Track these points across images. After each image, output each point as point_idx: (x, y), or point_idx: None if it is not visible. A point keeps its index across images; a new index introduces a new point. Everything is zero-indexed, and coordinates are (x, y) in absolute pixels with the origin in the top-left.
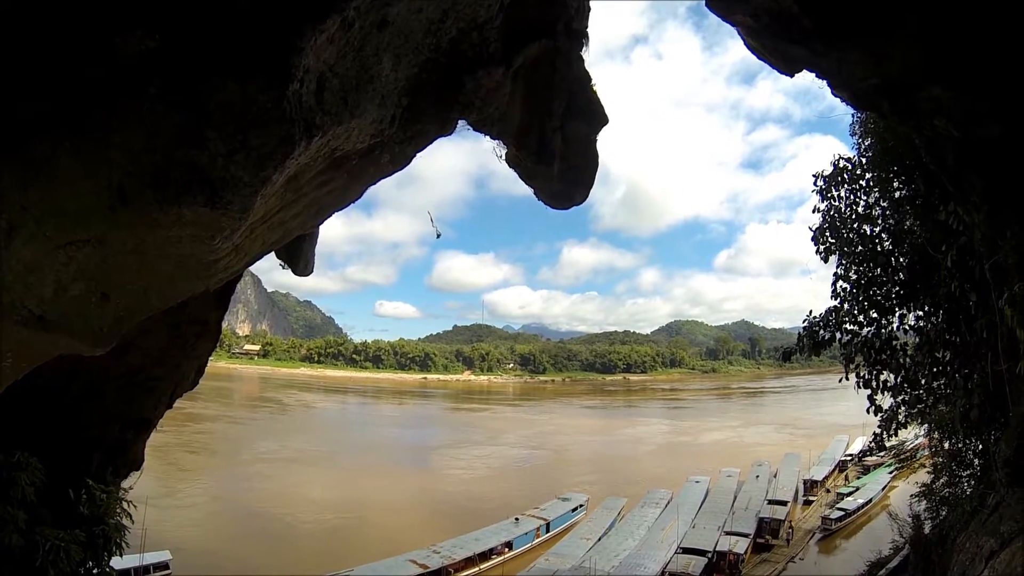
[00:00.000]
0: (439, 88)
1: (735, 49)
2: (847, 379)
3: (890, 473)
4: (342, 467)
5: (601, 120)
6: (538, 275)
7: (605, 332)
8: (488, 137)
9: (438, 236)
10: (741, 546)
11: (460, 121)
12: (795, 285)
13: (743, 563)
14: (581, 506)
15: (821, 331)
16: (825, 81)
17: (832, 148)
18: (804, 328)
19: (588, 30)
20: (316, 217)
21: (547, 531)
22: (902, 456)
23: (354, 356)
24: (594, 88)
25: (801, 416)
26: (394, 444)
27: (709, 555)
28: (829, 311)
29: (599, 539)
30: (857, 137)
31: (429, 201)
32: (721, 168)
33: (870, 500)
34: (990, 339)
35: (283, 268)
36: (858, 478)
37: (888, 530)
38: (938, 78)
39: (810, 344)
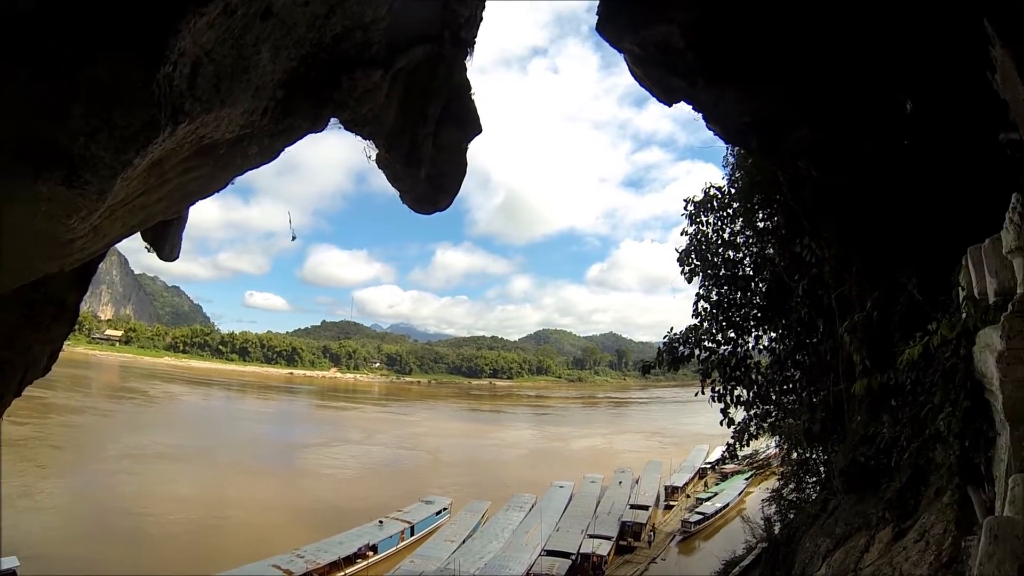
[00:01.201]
0: (316, 84)
1: None
2: (703, 393)
3: (746, 480)
4: (211, 464)
5: (475, 129)
6: (409, 275)
7: (473, 336)
8: (359, 137)
9: (293, 239)
10: (604, 548)
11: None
12: (664, 302)
13: (606, 564)
14: (445, 509)
15: (681, 347)
16: (701, 114)
17: (710, 176)
18: (664, 343)
19: (476, 40)
20: (181, 203)
21: (412, 534)
22: (756, 464)
23: (220, 347)
24: (472, 97)
25: (666, 426)
26: (264, 441)
27: (573, 557)
28: (689, 328)
29: (464, 541)
30: (728, 168)
31: (308, 192)
32: (603, 184)
33: (727, 504)
34: (833, 362)
35: (149, 251)
36: (716, 484)
37: (743, 532)
38: (807, 123)
39: (669, 359)
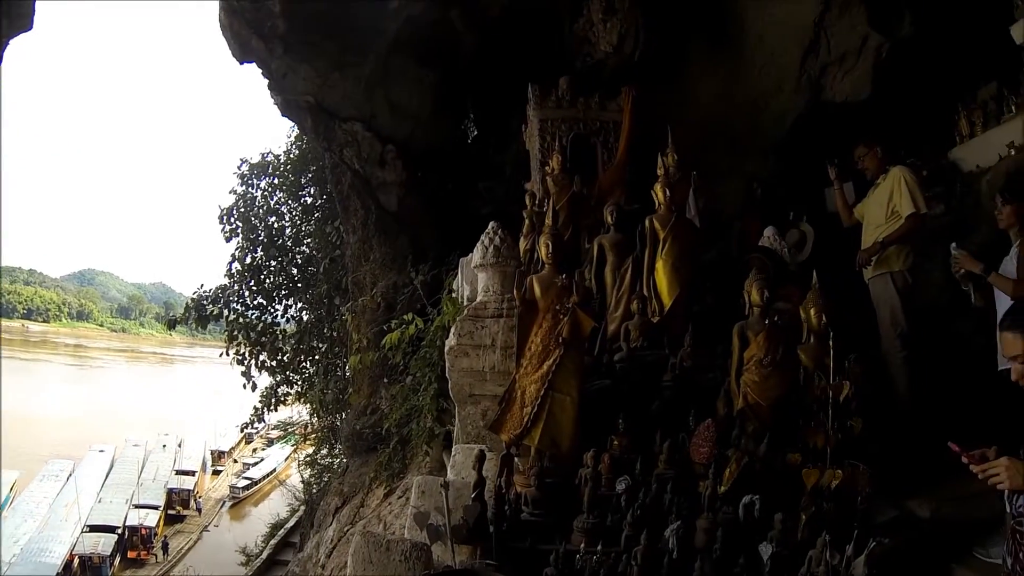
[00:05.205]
0: None
1: None
2: (227, 355)
3: (292, 445)
4: None
5: (22, 24)
6: None
7: (7, 267)
8: None
9: None
10: (152, 519)
11: None
12: (219, 259)
13: (156, 537)
14: None
15: (210, 305)
16: (266, 80)
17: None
18: (192, 300)
19: None
20: None
21: None
22: (292, 430)
23: None
24: None
25: (218, 386)
26: None
27: (119, 531)
28: (219, 288)
29: None
30: (289, 139)
31: None
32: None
33: (274, 469)
34: (344, 337)
35: None
36: (264, 449)
37: (282, 495)
38: (362, 121)
39: (196, 316)
